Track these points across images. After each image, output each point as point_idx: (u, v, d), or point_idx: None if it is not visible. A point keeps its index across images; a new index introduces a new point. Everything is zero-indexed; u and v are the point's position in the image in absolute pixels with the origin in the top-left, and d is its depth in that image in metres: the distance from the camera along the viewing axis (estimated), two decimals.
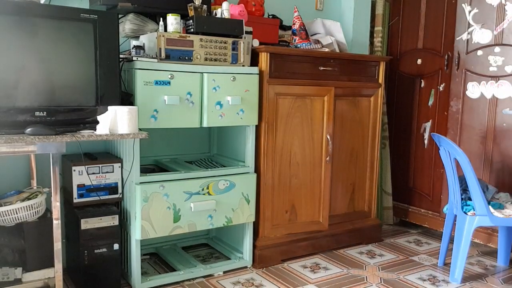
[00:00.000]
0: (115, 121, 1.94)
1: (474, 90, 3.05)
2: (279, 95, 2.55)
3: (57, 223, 1.92)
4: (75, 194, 2.19)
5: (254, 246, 2.63)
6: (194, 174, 2.38)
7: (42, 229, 2.11)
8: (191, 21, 2.31)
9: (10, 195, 2.16)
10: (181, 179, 2.32)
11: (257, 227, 2.62)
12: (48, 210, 2.16)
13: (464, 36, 3.07)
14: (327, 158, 2.75)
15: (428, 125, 3.32)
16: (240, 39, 2.41)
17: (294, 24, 2.74)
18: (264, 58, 2.49)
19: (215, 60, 2.35)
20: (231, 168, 2.51)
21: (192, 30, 2.30)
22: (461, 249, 2.46)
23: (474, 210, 2.45)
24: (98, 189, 2.24)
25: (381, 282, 2.51)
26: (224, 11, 2.40)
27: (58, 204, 1.91)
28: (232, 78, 2.37)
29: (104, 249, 2.21)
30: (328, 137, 2.74)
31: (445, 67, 3.17)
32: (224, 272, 2.54)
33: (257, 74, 2.47)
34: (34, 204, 2.06)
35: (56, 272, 1.93)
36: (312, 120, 2.69)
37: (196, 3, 2.31)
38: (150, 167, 2.60)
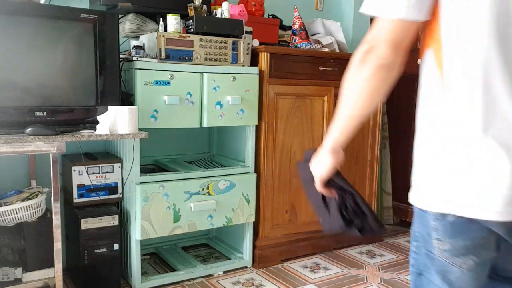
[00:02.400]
0: (115, 121, 1.94)
1: None
2: (279, 95, 2.55)
3: (57, 223, 1.92)
4: (75, 194, 2.19)
5: (254, 246, 2.63)
6: (194, 174, 2.37)
7: (42, 229, 2.11)
8: (191, 21, 2.30)
9: (10, 195, 2.15)
10: (181, 179, 2.32)
11: (257, 227, 2.62)
12: (48, 210, 2.15)
13: None
14: None
15: None
16: (240, 39, 2.41)
17: (294, 24, 2.74)
18: (264, 58, 2.49)
19: (215, 60, 2.35)
20: (231, 168, 2.51)
21: (192, 30, 2.30)
22: None
23: None
24: (98, 189, 2.24)
25: (381, 282, 2.51)
26: (224, 11, 2.40)
27: (58, 204, 1.91)
28: (232, 78, 2.37)
29: (104, 249, 2.21)
30: None
31: None
32: (224, 272, 2.54)
33: (257, 74, 2.47)
34: (34, 204, 2.06)
35: (56, 272, 1.93)
36: (312, 120, 2.69)
37: (196, 3, 2.30)
38: (150, 167, 2.60)
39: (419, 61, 1.00)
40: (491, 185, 0.88)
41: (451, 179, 0.92)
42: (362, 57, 0.98)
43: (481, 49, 0.87)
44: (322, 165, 1.16)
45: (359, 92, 1.02)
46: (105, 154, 2.51)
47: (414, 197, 1.01)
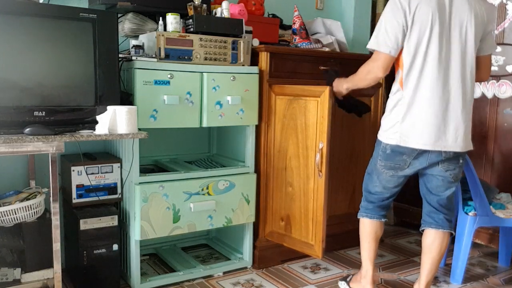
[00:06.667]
0: (114, 121, 1.93)
1: (475, 89, 3.03)
2: (280, 95, 2.54)
3: (56, 224, 1.91)
4: (74, 195, 2.18)
5: (254, 247, 2.62)
6: (193, 174, 2.37)
7: (41, 229, 2.10)
8: (190, 20, 2.30)
9: (9, 195, 2.15)
10: (181, 179, 2.31)
11: (257, 227, 2.61)
12: (47, 211, 2.15)
13: None
14: (319, 175, 2.30)
15: None
16: (240, 38, 2.40)
17: (294, 23, 2.73)
18: (264, 58, 2.48)
19: (215, 59, 2.34)
20: (231, 168, 2.50)
21: (191, 29, 2.29)
22: (462, 249, 2.45)
23: (475, 211, 2.43)
24: (97, 189, 2.23)
25: (381, 282, 2.50)
26: (224, 10, 2.39)
27: (57, 204, 1.90)
28: (232, 78, 2.36)
29: (103, 250, 2.20)
30: (321, 145, 2.29)
31: None
32: (224, 273, 2.53)
33: (257, 73, 2.46)
34: (33, 204, 2.05)
35: (55, 272, 1.92)
36: (306, 124, 2.45)
37: (196, 2, 2.29)
38: (149, 167, 2.59)
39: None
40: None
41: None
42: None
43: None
44: (342, 89, 2.26)
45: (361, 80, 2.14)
46: (104, 154, 2.50)
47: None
